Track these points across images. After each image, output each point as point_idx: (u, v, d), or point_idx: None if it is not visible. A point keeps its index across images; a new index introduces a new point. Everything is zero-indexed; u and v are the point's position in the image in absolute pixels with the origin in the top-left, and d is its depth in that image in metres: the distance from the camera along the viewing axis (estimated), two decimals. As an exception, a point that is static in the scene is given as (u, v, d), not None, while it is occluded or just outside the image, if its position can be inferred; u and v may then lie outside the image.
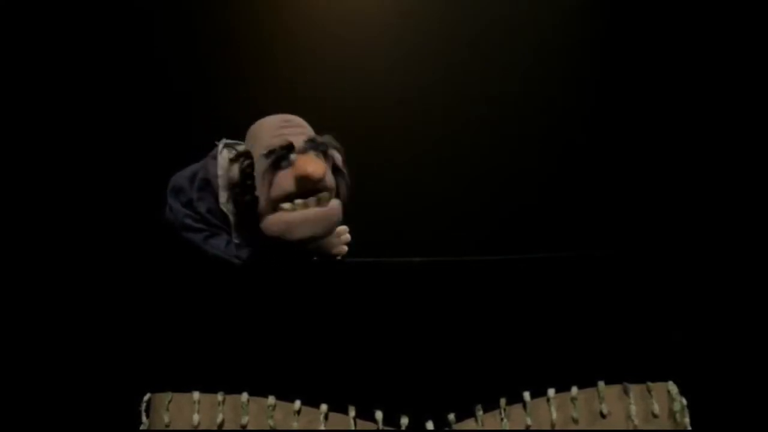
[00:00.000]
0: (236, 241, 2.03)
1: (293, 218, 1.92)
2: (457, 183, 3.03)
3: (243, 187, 1.94)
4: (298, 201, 1.93)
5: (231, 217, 2.04)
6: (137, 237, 2.72)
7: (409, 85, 3.07)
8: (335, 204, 1.98)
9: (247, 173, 1.95)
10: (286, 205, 1.92)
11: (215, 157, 2.06)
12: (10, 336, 2.74)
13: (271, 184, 1.92)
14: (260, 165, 1.93)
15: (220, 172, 2.03)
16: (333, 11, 3.08)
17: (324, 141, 1.99)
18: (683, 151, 2.92)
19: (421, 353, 1.91)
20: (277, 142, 1.94)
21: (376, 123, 3.00)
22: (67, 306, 2.75)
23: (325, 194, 1.95)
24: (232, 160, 1.99)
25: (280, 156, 1.92)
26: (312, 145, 1.95)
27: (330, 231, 2.01)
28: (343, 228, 2.16)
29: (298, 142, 1.95)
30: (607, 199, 2.92)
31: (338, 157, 2.05)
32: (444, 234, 2.92)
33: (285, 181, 1.91)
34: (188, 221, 2.03)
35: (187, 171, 2.11)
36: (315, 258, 2.09)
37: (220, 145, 2.08)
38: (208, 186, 2.04)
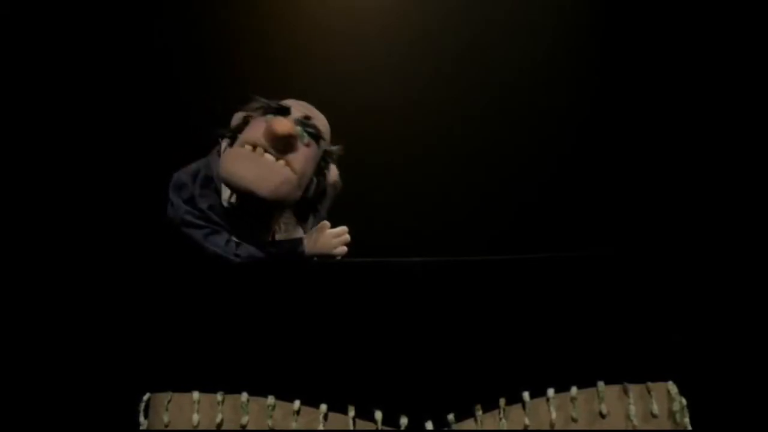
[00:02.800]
0: (236, 239, 2.03)
1: (236, 152, 1.98)
2: (458, 183, 3.03)
3: (234, 129, 2.05)
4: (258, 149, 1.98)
5: (231, 214, 2.05)
6: (137, 237, 2.72)
7: (410, 85, 3.07)
8: (287, 170, 1.97)
9: (246, 120, 2.04)
10: (251, 152, 1.97)
11: (219, 154, 2.08)
12: (11, 336, 2.74)
13: (249, 128, 2.01)
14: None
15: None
16: (333, 12, 3.09)
17: (320, 132, 2.05)
18: (683, 151, 2.92)
19: (421, 353, 1.91)
20: (274, 101, 2.06)
21: (376, 123, 3.01)
22: (67, 306, 2.75)
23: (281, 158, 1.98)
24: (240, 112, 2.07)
25: (268, 110, 2.02)
26: (303, 122, 2.02)
27: (266, 188, 1.94)
28: (343, 228, 2.16)
29: (294, 113, 2.03)
30: (607, 199, 2.92)
31: (332, 167, 2.13)
32: (444, 234, 2.93)
33: (257, 128, 1.99)
34: (189, 217, 2.04)
35: (190, 168, 2.12)
36: (315, 258, 2.09)
37: (224, 144, 2.10)
38: (210, 183, 2.06)
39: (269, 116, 2.00)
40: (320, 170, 2.09)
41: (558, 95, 3.03)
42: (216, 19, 3.05)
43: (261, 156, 1.96)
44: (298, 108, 2.07)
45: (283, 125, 1.94)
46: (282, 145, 1.96)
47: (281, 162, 1.97)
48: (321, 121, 2.10)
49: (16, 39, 2.94)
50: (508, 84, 3.05)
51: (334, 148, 2.12)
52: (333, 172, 2.14)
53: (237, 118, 2.08)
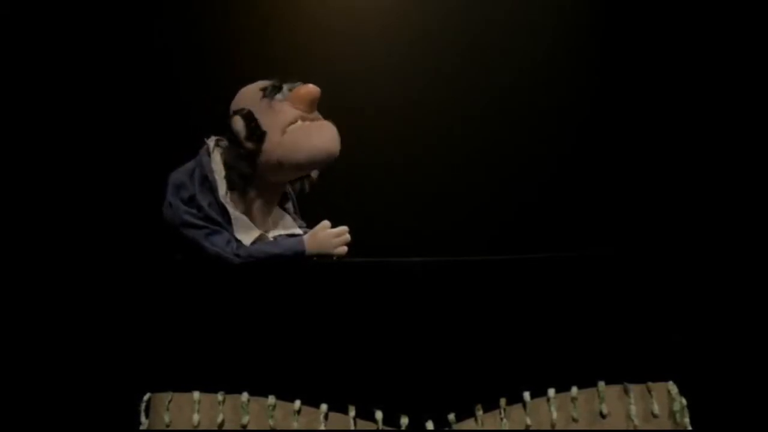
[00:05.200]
0: (237, 236, 2.04)
1: (313, 125, 2.06)
2: (458, 183, 3.03)
3: (250, 129, 2.04)
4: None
5: (230, 210, 2.05)
6: (137, 237, 2.72)
7: (410, 86, 3.07)
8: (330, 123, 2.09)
9: (250, 117, 2.04)
10: (296, 123, 2.04)
11: (209, 154, 2.09)
12: (11, 336, 2.74)
13: (275, 114, 2.04)
14: (260, 105, 2.05)
15: (215, 167, 2.06)
16: (333, 12, 3.09)
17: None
18: (683, 151, 2.92)
19: (421, 353, 1.91)
20: (267, 83, 2.09)
21: (376, 123, 3.00)
22: (67, 306, 2.75)
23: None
24: (231, 115, 2.07)
25: (275, 90, 2.06)
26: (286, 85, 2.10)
27: (336, 154, 2.06)
28: (344, 228, 2.16)
29: (270, 82, 2.10)
30: (607, 199, 2.92)
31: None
32: (444, 234, 2.92)
33: (287, 107, 2.05)
34: (189, 218, 2.03)
35: (185, 168, 2.12)
36: (315, 258, 2.09)
37: (211, 143, 2.12)
38: (206, 181, 2.06)
39: (278, 96, 2.06)
40: None
41: (558, 95, 3.03)
42: (216, 19, 3.04)
43: (315, 122, 2.06)
44: (254, 88, 2.12)
45: (311, 87, 2.04)
46: (314, 104, 2.07)
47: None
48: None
49: (16, 39, 2.94)
50: (508, 84, 3.05)
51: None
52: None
53: (237, 124, 2.06)
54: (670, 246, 2.47)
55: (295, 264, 2.03)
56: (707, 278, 2.62)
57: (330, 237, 2.12)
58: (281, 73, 2.98)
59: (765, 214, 2.81)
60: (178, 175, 2.11)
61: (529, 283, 1.96)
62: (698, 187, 2.88)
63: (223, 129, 2.15)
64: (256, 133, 2.03)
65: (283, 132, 2.03)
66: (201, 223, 2.03)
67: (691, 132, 2.93)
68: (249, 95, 2.11)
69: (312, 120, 2.06)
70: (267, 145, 2.03)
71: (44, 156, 2.90)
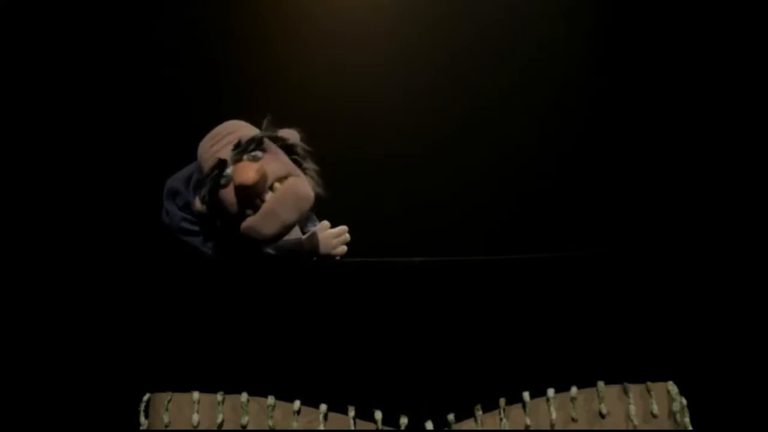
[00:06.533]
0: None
1: (255, 220, 1.87)
2: (458, 182, 3.02)
3: (210, 218, 1.94)
4: (258, 202, 1.88)
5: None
6: (137, 238, 2.72)
7: (410, 86, 3.06)
8: (290, 182, 1.89)
9: (211, 201, 1.93)
10: (249, 212, 1.88)
11: None
12: (10, 336, 2.74)
13: (223, 205, 1.90)
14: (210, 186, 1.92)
15: None
16: (334, 11, 3.09)
17: (253, 137, 1.94)
18: (683, 150, 2.92)
19: (421, 353, 1.91)
20: (209, 164, 1.92)
21: (376, 122, 3.00)
22: (67, 307, 2.75)
23: (276, 184, 1.89)
24: (197, 196, 1.97)
25: (216, 177, 1.90)
26: (240, 150, 1.91)
27: (301, 207, 1.89)
28: (343, 228, 2.16)
29: (227, 154, 1.91)
30: (607, 199, 2.91)
31: (290, 136, 2.01)
32: (444, 234, 2.92)
33: (230, 197, 1.89)
34: (185, 225, 2.04)
35: (182, 173, 2.11)
36: (315, 258, 2.09)
37: None
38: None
39: (223, 180, 1.90)
40: (287, 149, 1.98)
41: (558, 95, 3.02)
42: (216, 19, 3.04)
43: (264, 204, 1.87)
44: (221, 144, 1.94)
45: (246, 174, 1.84)
46: (260, 185, 1.86)
47: (277, 185, 1.89)
48: (235, 131, 1.98)
49: (15, 38, 2.94)
50: (508, 84, 3.04)
51: (264, 124, 2.00)
52: (290, 135, 2.02)
53: (200, 208, 1.96)
54: (669, 246, 2.47)
55: (295, 265, 2.04)
56: (706, 278, 2.62)
57: (330, 237, 2.12)
58: (281, 72, 2.99)
59: (765, 214, 2.80)
60: (173, 182, 2.10)
61: (529, 283, 1.97)
62: (698, 187, 2.87)
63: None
64: (217, 217, 1.93)
65: (241, 217, 1.88)
66: (198, 229, 2.04)
67: (691, 132, 2.93)
68: (201, 165, 1.96)
69: (256, 198, 1.88)
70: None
71: (43, 156, 2.90)
